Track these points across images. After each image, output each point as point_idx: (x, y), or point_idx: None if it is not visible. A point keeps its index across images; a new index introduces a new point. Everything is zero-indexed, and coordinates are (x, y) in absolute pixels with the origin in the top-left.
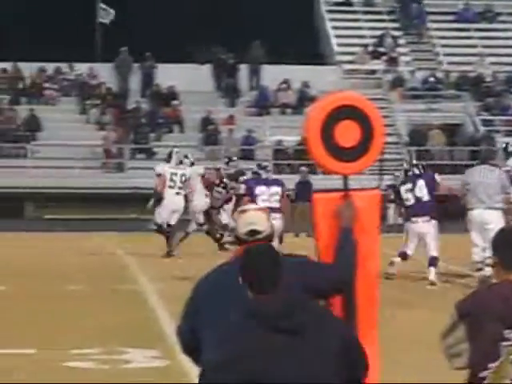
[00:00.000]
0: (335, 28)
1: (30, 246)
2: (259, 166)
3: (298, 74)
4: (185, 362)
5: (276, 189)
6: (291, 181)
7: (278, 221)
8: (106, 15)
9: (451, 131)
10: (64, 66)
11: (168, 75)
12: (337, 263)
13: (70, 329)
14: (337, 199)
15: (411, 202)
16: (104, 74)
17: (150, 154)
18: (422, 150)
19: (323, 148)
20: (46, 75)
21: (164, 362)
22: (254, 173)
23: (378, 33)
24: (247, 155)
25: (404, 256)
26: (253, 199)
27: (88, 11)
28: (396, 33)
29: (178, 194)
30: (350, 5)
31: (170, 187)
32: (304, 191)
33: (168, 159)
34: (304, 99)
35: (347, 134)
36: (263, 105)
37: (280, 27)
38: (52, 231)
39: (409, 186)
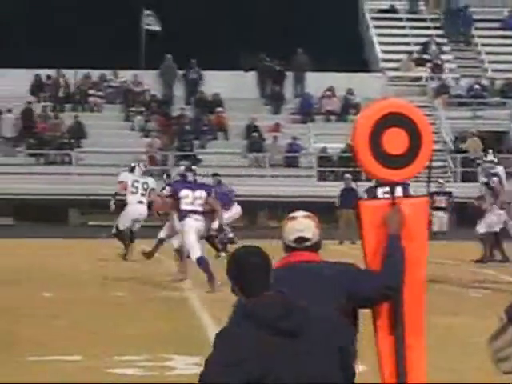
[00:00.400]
0: (380, 35)
1: (75, 252)
2: (186, 168)
3: (342, 81)
4: None
5: (200, 193)
6: (335, 188)
7: (199, 222)
8: (151, 23)
9: (496, 138)
10: (109, 73)
11: (213, 82)
12: (384, 270)
13: (116, 335)
14: (384, 206)
15: None
16: (149, 81)
17: (194, 161)
18: (466, 158)
19: (371, 155)
20: (90, 82)
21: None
22: (182, 175)
23: (423, 40)
24: (291, 162)
25: None
26: (177, 201)
27: (133, 18)
28: (440, 40)
29: (140, 202)
30: (395, 12)
31: (132, 193)
32: (348, 198)
33: (131, 170)
34: (348, 106)
35: (395, 141)
36: (307, 112)
37: (324, 34)
38: (96, 238)
39: None
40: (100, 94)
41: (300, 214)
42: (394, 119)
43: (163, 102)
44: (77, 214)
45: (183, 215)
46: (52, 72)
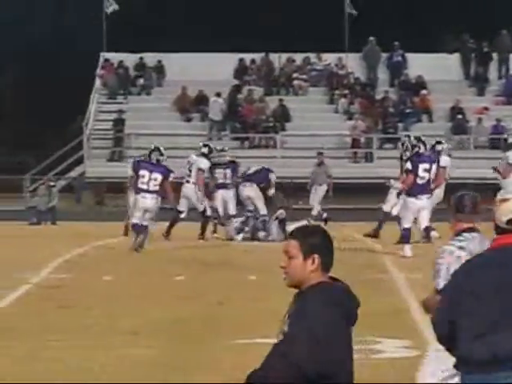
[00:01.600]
0: None
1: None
2: (153, 149)
3: None
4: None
5: (156, 175)
6: None
7: (150, 200)
8: (350, 6)
9: None
10: (312, 56)
11: (416, 64)
12: None
13: None
14: None
15: None
16: (352, 64)
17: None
18: None
19: None
20: (294, 65)
21: (413, 353)
22: (148, 156)
23: None
24: (496, 144)
25: None
26: (136, 179)
27: (336, 2)
28: None
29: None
30: None
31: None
32: None
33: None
34: None
35: None
36: None
37: None
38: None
39: None
40: (304, 77)
41: None
42: None
43: (367, 84)
44: (280, 196)
45: (136, 192)
46: (256, 56)
